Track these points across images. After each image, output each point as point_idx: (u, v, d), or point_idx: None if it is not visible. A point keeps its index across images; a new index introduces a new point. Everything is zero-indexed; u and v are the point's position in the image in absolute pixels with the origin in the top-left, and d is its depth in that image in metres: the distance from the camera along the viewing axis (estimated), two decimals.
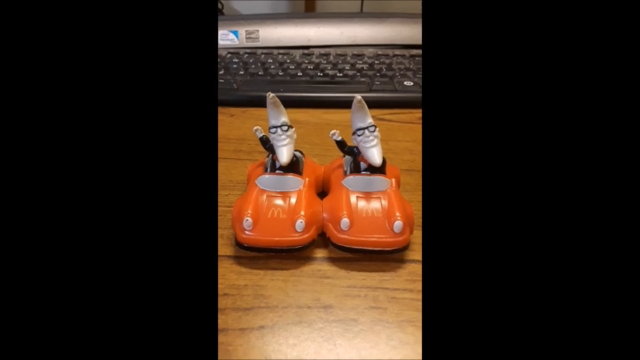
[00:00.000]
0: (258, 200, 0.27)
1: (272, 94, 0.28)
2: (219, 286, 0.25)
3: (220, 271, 0.26)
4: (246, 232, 0.26)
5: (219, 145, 0.40)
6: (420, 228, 0.29)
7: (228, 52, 0.55)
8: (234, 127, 0.43)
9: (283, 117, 0.29)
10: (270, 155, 0.30)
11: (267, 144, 0.30)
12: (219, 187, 0.34)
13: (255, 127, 0.30)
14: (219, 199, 0.32)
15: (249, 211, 0.26)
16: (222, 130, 0.42)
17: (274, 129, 0.28)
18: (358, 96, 0.28)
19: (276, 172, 0.29)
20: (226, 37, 0.57)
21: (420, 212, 0.30)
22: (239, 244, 0.27)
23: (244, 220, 0.26)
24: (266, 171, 0.30)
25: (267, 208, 0.27)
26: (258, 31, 0.58)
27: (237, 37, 0.58)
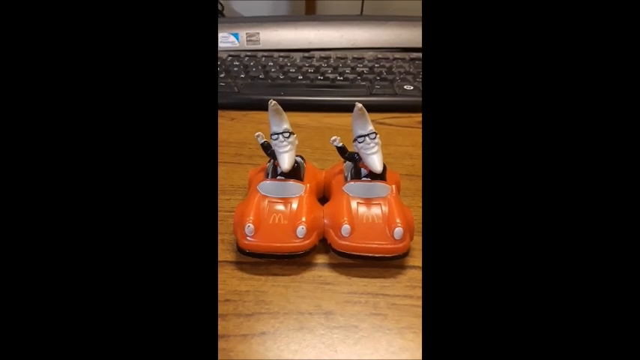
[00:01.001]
0: (260, 206, 0.28)
1: (274, 102, 0.28)
2: (220, 292, 0.25)
3: (222, 276, 0.26)
4: (248, 238, 0.27)
5: (220, 149, 0.40)
6: (420, 234, 0.29)
7: (229, 55, 0.55)
8: (234, 130, 0.43)
9: (285, 124, 0.29)
10: (272, 161, 0.30)
11: (268, 150, 0.30)
12: (219, 192, 0.34)
13: (257, 133, 0.30)
14: (220, 204, 0.32)
15: (251, 217, 0.27)
16: (222, 134, 0.42)
17: (276, 135, 0.29)
18: (359, 104, 0.28)
19: (278, 178, 0.29)
20: (227, 40, 0.57)
21: (420, 217, 0.30)
22: (240, 250, 0.28)
23: (246, 226, 0.26)
24: (267, 177, 0.30)
25: (268, 214, 0.27)
26: (258, 33, 0.58)
27: (237, 39, 0.58)
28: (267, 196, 0.28)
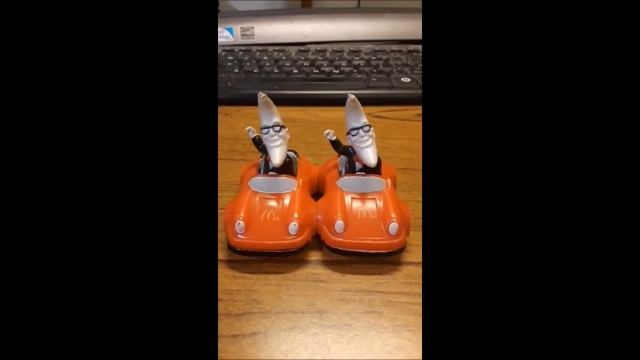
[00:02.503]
0: (251, 202, 0.27)
1: (263, 94, 0.28)
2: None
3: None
4: (239, 236, 0.26)
5: None
6: (417, 229, 0.28)
7: (223, 50, 0.54)
8: (228, 126, 0.43)
9: (275, 117, 0.28)
10: (264, 156, 0.29)
11: (259, 144, 0.29)
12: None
13: (248, 128, 0.29)
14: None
15: (242, 214, 0.26)
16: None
17: (266, 129, 0.28)
18: (352, 95, 0.28)
19: (270, 173, 0.29)
20: (221, 35, 0.57)
21: (417, 212, 0.29)
22: (231, 248, 0.27)
23: (236, 224, 0.26)
24: (259, 172, 0.29)
25: (259, 211, 0.27)
26: (253, 27, 0.57)
27: (232, 34, 0.57)
28: (259, 192, 0.27)
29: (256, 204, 0.27)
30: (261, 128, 0.28)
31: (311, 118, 0.45)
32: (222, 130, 0.42)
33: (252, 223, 0.26)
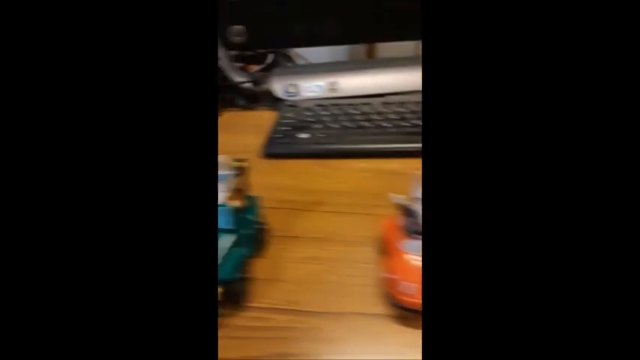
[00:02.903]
0: (409, 264, 0.31)
1: (416, 172, 0.32)
2: (378, 343, 0.28)
3: (378, 328, 0.30)
4: (401, 294, 0.30)
5: (330, 198, 0.43)
6: None
7: (316, 105, 0.59)
8: (340, 180, 0.47)
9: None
10: (409, 218, 0.33)
11: (404, 209, 0.33)
12: (347, 243, 0.37)
13: (391, 195, 0.34)
14: (354, 256, 0.36)
15: (404, 275, 0.30)
16: (328, 184, 0.46)
17: (416, 198, 0.32)
18: None
19: (417, 236, 0.33)
20: (309, 89, 0.62)
21: None
22: (394, 304, 0.31)
23: (401, 284, 0.30)
24: (407, 234, 0.33)
25: (417, 271, 0.31)
26: (337, 82, 0.62)
27: (319, 88, 0.62)
28: (413, 254, 0.31)
29: (413, 265, 0.31)
30: (412, 198, 0.32)
31: (411, 170, 0.48)
32: (336, 185, 0.46)
33: (411, 283, 0.30)
